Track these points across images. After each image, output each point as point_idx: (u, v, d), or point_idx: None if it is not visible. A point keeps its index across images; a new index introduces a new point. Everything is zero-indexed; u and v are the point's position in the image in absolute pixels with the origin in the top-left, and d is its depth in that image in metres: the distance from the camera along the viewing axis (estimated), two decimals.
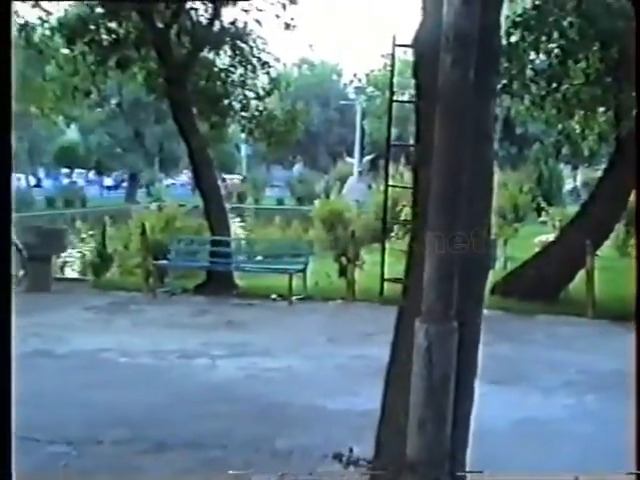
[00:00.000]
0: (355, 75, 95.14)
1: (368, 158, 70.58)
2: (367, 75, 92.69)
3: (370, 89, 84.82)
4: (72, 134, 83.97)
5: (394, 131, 19.80)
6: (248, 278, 23.32)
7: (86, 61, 24.06)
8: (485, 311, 16.77)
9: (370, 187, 53.55)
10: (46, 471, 8.73)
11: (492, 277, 20.82)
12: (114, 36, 22.95)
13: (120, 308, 20.08)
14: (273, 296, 21.33)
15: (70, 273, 28.47)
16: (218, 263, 22.91)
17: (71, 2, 24.81)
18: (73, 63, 24.84)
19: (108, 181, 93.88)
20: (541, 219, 41.32)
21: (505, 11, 18.16)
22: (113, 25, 22.98)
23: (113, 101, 43.05)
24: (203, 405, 11.68)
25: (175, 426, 10.48)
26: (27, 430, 8.18)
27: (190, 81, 23.08)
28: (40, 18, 25.35)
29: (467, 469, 5.59)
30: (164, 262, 22.62)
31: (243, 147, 79.84)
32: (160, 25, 22.59)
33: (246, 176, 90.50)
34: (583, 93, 20.77)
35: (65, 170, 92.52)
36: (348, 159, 77.93)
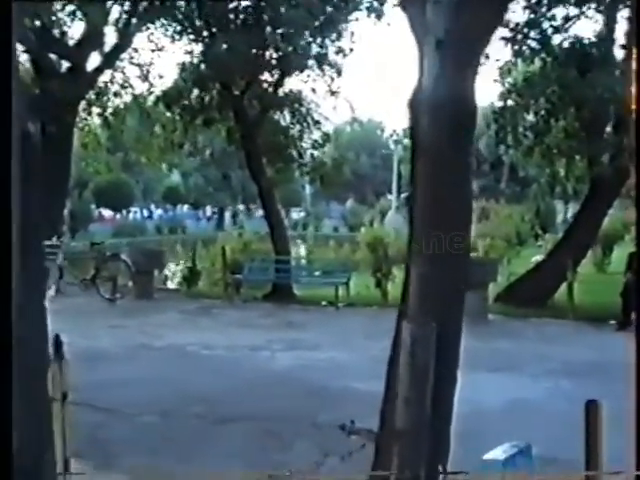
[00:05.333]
0: (394, 130, 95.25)
1: (404, 196, 70.56)
2: (403, 130, 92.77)
3: (406, 141, 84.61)
4: (175, 177, 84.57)
5: None
6: (304, 289, 23.41)
7: (182, 121, 24.29)
8: (490, 315, 16.77)
9: (405, 218, 53.43)
10: (141, 436, 8.85)
11: (496, 289, 20.91)
12: (200, 102, 23.20)
13: (205, 312, 20.12)
14: (323, 303, 21.38)
15: (170, 285, 28.60)
16: (280, 277, 23.00)
17: (167, 74, 25.16)
18: (172, 123, 25.10)
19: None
20: (538, 243, 41.09)
21: (509, 79, 18.22)
22: (201, 93, 23.22)
23: (207, 151, 43.77)
24: (263, 388, 11.71)
25: (241, 403, 10.50)
26: (128, 404, 8.27)
27: (260, 136, 23.22)
28: (148, 90, 25.73)
29: (460, 438, 5.55)
30: (239, 276, 22.73)
31: (307, 187, 79.78)
32: (237, 92, 22.81)
33: (309, 210, 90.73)
34: (563, 145, 20.76)
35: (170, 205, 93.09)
36: (388, 196, 77.97)
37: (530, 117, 20.73)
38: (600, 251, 31.06)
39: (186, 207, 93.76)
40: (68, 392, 5.23)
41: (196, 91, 23.12)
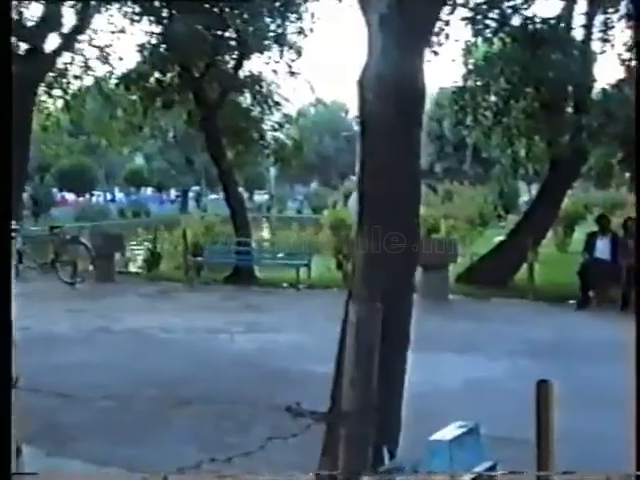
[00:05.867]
0: None
1: None
2: None
3: None
4: (139, 160, 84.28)
5: None
6: (265, 271, 23.36)
7: (142, 103, 24.05)
8: (450, 296, 16.80)
9: None
10: (97, 421, 8.77)
11: (457, 269, 20.94)
12: (159, 84, 23.01)
13: (165, 295, 20.04)
14: (284, 285, 21.36)
15: (132, 268, 28.46)
16: (241, 260, 22.90)
17: (127, 56, 24.93)
18: (133, 106, 24.86)
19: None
20: (501, 224, 41.22)
21: (472, 60, 18.19)
22: (160, 75, 23.04)
23: (170, 134, 44.00)
24: (221, 371, 11.66)
25: (198, 386, 10.46)
26: (84, 388, 8.20)
27: (220, 118, 23.06)
28: (109, 72, 25.48)
29: (416, 418, 5.53)
30: (199, 259, 22.69)
31: (271, 169, 79.66)
32: (197, 74, 22.63)
33: (273, 192, 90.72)
34: (522, 125, 20.75)
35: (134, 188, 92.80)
36: (352, 178, 77.85)
37: (490, 97, 20.71)
38: (562, 231, 31.32)
39: (150, 190, 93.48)
40: (19, 377, 5.15)
41: (156, 73, 22.89)
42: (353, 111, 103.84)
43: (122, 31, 24.25)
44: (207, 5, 20.97)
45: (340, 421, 4.37)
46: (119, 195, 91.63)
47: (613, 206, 45.20)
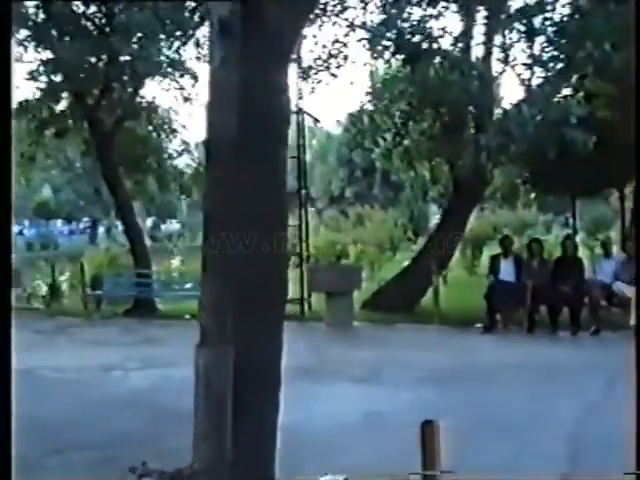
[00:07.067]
0: None
1: None
2: None
3: None
4: (46, 192, 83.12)
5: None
6: (168, 303, 22.82)
7: (36, 132, 23.39)
8: (355, 322, 16.39)
9: None
10: None
11: (363, 295, 20.55)
12: (51, 112, 22.40)
13: (61, 331, 19.29)
14: (187, 317, 20.74)
15: (35, 303, 27.59)
16: (142, 292, 22.28)
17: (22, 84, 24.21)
18: (28, 136, 24.13)
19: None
20: (413, 247, 41.13)
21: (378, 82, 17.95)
22: (53, 104, 22.44)
23: (77, 164, 43.51)
24: (110, 411, 11.05)
25: (82, 430, 9.90)
26: None
27: (116, 146, 22.44)
28: None
29: (305, 456, 5.06)
30: (98, 292, 22.10)
31: (183, 197, 78.93)
32: (90, 102, 22.01)
33: (184, 221, 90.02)
34: (422, 147, 20.58)
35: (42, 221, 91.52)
36: None
37: (390, 120, 20.49)
38: (470, 253, 31.23)
39: (60, 222, 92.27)
40: None
41: (48, 101, 22.27)
42: None
43: (19, 60, 23.49)
44: (96, 30, 20.42)
45: None
46: (26, 230, 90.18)
47: (522, 227, 45.52)
